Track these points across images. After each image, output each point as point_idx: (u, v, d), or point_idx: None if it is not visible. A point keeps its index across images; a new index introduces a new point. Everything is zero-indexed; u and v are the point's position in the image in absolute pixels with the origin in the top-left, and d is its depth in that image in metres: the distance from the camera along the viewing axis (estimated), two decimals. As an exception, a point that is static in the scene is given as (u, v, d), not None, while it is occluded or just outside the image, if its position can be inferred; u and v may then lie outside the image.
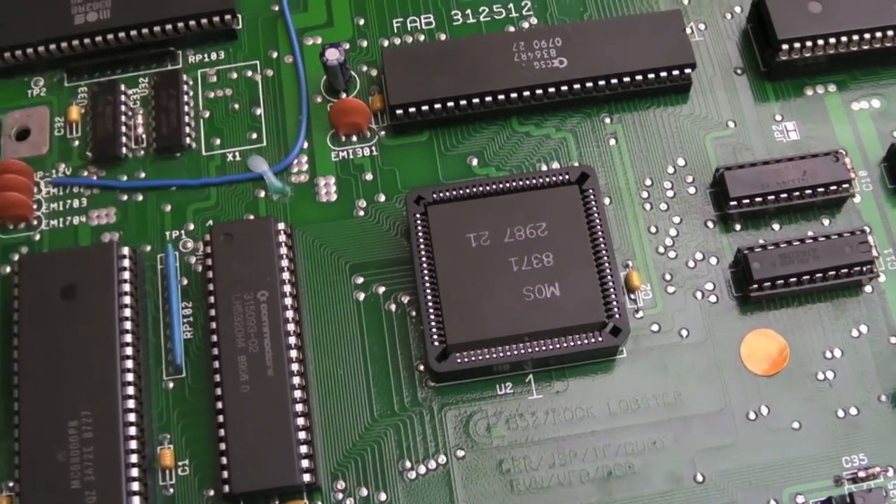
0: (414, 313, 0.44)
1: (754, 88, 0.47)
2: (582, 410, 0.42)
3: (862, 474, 0.41)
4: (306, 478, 0.40)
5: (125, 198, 0.46)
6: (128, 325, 0.42)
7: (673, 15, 0.47)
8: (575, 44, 0.46)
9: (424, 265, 0.43)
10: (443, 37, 0.49)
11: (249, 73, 0.48)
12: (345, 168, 0.46)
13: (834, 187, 0.44)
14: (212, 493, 0.41)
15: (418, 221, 0.43)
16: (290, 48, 0.48)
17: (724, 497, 0.41)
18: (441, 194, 0.44)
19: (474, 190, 0.44)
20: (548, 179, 0.44)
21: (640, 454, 0.42)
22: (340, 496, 0.41)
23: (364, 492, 0.41)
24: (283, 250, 0.43)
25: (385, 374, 0.43)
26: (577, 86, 0.46)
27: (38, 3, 0.48)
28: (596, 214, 0.43)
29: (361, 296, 0.44)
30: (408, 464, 0.42)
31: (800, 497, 0.41)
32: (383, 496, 0.41)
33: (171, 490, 0.42)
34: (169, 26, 0.47)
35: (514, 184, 0.44)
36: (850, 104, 0.47)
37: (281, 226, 0.44)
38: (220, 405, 0.41)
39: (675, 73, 0.46)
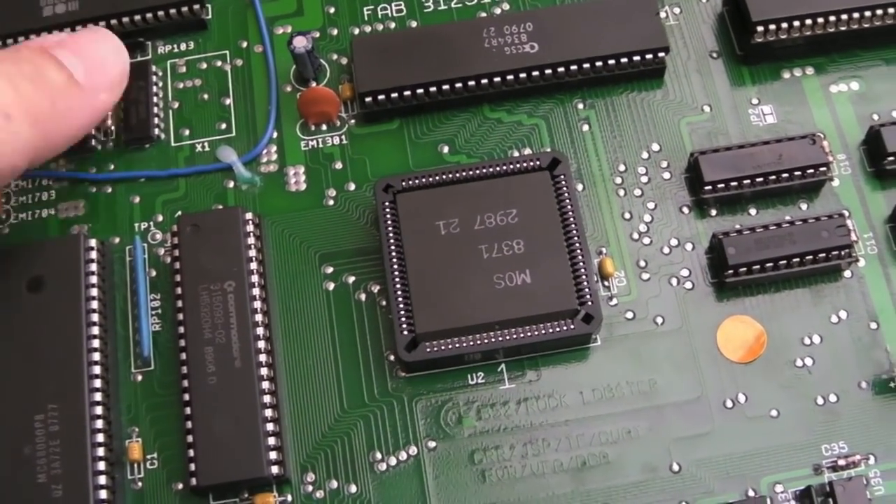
0: (384, 303, 0.43)
1: (730, 72, 0.47)
2: (555, 400, 0.42)
3: (842, 462, 0.40)
4: (275, 470, 0.40)
5: (94, 190, 0.46)
6: (95, 317, 0.42)
7: (646, -3, 0.46)
8: (546, 28, 0.46)
9: (393, 253, 0.42)
10: (414, 24, 0.48)
11: (219, 64, 0.48)
12: (314, 157, 0.46)
13: (811, 171, 0.43)
14: (180, 486, 0.41)
15: (387, 209, 0.43)
16: (260, 37, 0.48)
17: (701, 487, 0.40)
18: (410, 182, 0.43)
19: (444, 177, 0.43)
20: (519, 166, 0.43)
21: (615, 444, 0.41)
22: (310, 488, 0.41)
23: (334, 484, 0.41)
24: (251, 240, 0.43)
25: (355, 365, 0.42)
26: (548, 71, 0.45)
27: (5, -6, 0.48)
28: (567, 200, 0.42)
29: (331, 285, 0.44)
30: (378, 455, 0.41)
31: (778, 486, 0.40)
32: (354, 488, 0.41)
33: (140, 484, 0.41)
34: (138, 17, 0.47)
35: (484, 170, 0.43)
36: (828, 87, 0.46)
37: (249, 215, 0.43)
38: (186, 397, 0.41)
39: (649, 56, 0.45)
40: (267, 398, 0.41)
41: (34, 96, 0.37)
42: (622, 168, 0.45)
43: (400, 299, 0.41)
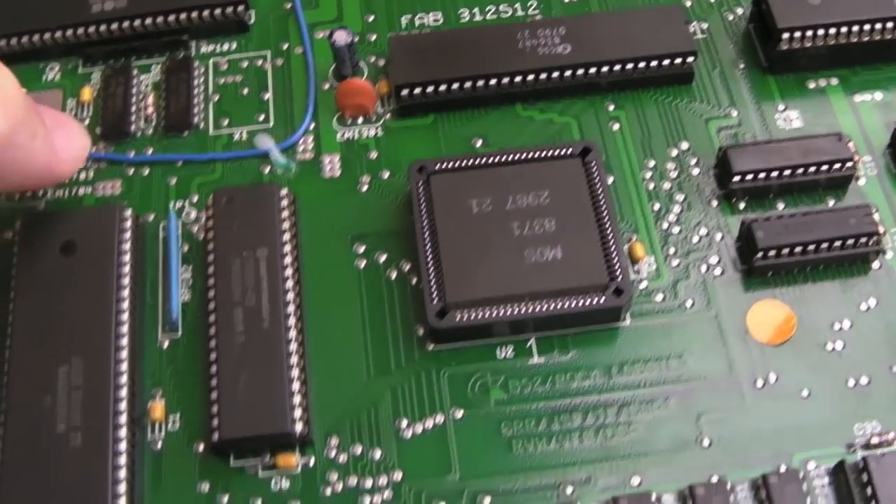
0: (414, 281, 0.43)
1: (756, 83, 0.48)
2: (584, 373, 0.41)
3: (875, 440, 0.39)
4: (298, 427, 0.39)
5: (131, 171, 0.46)
6: (125, 281, 0.42)
7: (674, 9, 0.48)
8: (579, 32, 0.47)
9: (425, 227, 0.42)
10: (450, 32, 0.50)
11: (259, 63, 0.49)
12: (350, 148, 0.47)
13: (838, 165, 0.44)
14: (201, 447, 0.40)
15: (420, 189, 0.43)
16: (301, 40, 0.49)
17: (732, 462, 0.39)
18: (443, 165, 0.44)
19: (477, 162, 0.44)
20: (551, 153, 0.44)
21: (645, 415, 0.40)
22: (334, 453, 0.40)
23: (359, 449, 0.40)
24: (285, 214, 0.43)
25: (384, 338, 0.42)
26: (580, 71, 0.46)
27: (55, -11, 0.49)
28: (598, 183, 0.43)
29: (362, 264, 0.44)
30: (404, 423, 0.40)
31: (811, 462, 0.39)
32: (378, 454, 0.40)
33: (160, 444, 0.40)
34: (183, 16, 0.48)
35: (516, 156, 0.44)
36: (852, 97, 0.47)
37: (284, 191, 0.44)
38: (213, 356, 0.40)
39: (678, 61, 0.47)
40: (294, 358, 0.40)
41: (15, 93, 0.38)
42: (651, 164, 0.46)
43: (431, 269, 0.42)
